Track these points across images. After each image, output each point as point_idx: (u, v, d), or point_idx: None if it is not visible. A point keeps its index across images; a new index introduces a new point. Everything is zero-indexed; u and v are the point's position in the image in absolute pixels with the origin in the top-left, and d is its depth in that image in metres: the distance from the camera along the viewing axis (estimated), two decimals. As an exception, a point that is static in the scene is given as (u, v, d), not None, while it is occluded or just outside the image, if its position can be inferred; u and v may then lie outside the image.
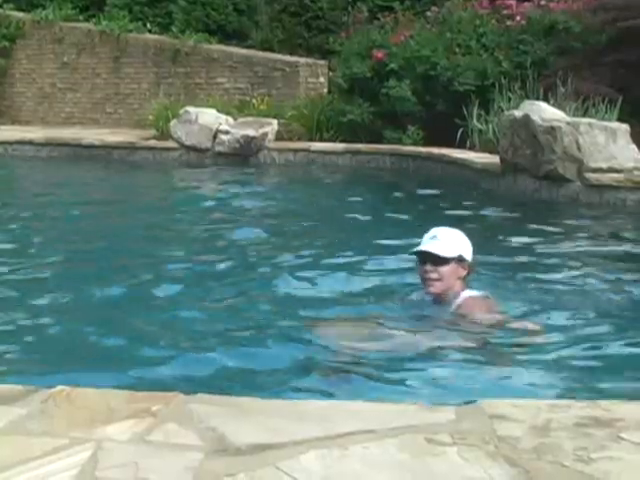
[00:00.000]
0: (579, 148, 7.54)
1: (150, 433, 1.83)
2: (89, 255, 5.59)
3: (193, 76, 14.98)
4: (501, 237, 6.08)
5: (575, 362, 3.32)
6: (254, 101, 13.40)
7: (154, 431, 1.84)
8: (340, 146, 11.51)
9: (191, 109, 11.91)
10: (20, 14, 16.97)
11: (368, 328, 3.58)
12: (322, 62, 14.02)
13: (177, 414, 1.94)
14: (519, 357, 3.37)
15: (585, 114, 9.20)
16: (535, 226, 6.51)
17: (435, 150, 10.24)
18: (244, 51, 14.72)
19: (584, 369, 3.26)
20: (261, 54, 14.55)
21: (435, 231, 3.79)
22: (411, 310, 3.83)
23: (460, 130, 10.46)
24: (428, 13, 12.92)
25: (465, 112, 10.46)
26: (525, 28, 11.41)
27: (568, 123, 7.72)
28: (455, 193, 8.55)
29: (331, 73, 13.54)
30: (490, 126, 10.10)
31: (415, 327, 3.60)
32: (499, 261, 5.10)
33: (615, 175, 7.47)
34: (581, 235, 6.31)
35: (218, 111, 12.08)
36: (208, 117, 11.78)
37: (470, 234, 3.89)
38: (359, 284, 4.59)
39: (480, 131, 10.31)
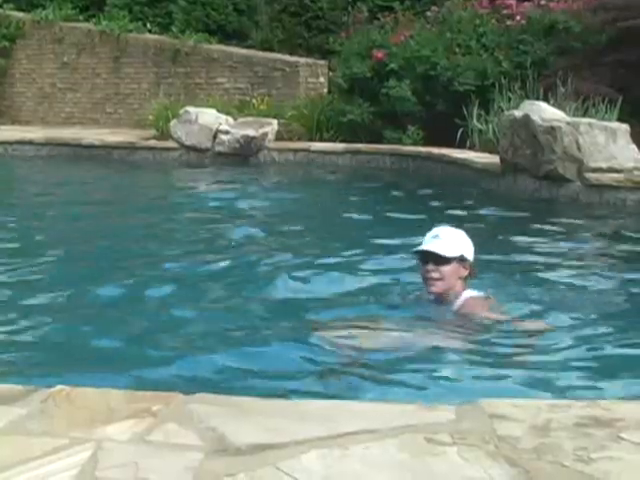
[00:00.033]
0: (579, 148, 7.54)
1: (150, 433, 1.83)
2: (89, 255, 5.59)
3: (193, 76, 14.99)
4: (501, 237, 6.08)
5: (575, 362, 3.31)
6: (254, 101, 13.40)
7: (154, 431, 1.84)
8: (340, 146, 11.52)
9: (191, 109, 11.91)
10: (20, 14, 16.98)
11: (368, 328, 3.58)
12: (322, 62, 14.02)
13: (177, 414, 1.94)
14: (519, 357, 3.37)
15: (585, 114, 9.20)
16: (535, 226, 6.51)
17: (435, 150, 10.24)
18: (244, 51, 14.72)
19: (584, 369, 3.25)
20: (261, 54, 14.55)
21: (437, 230, 3.79)
22: (412, 310, 3.83)
23: (460, 130, 10.46)
24: (428, 13, 12.92)
25: (465, 112, 10.46)
26: (525, 28, 11.41)
27: (568, 123, 7.72)
28: (455, 193, 8.55)
29: (331, 73, 13.54)
30: (490, 126, 10.10)
31: (416, 327, 3.60)
32: (499, 261, 5.10)
33: (615, 175, 7.47)
34: (581, 235, 6.31)
35: (218, 111, 12.08)
36: (208, 117, 11.78)
37: (470, 234, 3.88)
38: (359, 284, 4.59)
39: (480, 131, 10.31)
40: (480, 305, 3.73)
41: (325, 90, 13.71)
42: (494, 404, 2.02)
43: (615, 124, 8.02)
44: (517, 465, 1.68)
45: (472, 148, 10.19)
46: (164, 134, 12.45)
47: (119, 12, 15.92)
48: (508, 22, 11.63)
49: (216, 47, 14.83)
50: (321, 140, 12.03)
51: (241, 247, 5.85)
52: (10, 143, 12.96)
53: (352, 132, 11.75)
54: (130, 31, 15.56)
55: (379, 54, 11.78)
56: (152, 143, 12.49)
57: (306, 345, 3.42)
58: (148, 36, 15.55)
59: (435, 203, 7.82)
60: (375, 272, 4.89)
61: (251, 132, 11.54)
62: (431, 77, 11.19)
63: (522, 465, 1.68)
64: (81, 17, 16.61)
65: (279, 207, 8.15)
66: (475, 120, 10.40)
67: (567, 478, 1.64)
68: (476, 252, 3.81)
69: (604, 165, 7.53)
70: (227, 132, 11.57)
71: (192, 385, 2.85)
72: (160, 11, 15.97)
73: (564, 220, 6.83)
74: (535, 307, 4.04)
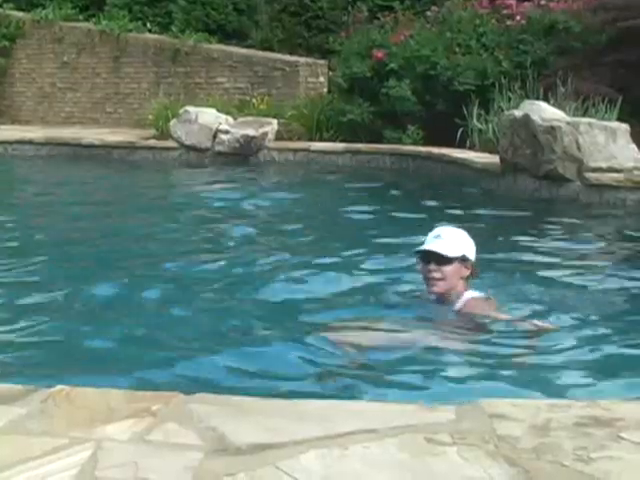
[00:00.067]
0: (579, 148, 7.55)
1: (150, 433, 1.83)
2: (88, 255, 5.59)
3: (193, 76, 14.98)
4: (501, 237, 6.08)
5: (575, 362, 3.31)
6: (254, 101, 13.40)
7: (154, 431, 1.84)
8: (340, 146, 11.51)
9: (191, 109, 11.90)
10: (20, 14, 16.97)
11: (368, 328, 3.58)
12: (322, 62, 14.02)
13: (177, 414, 1.94)
14: (519, 357, 3.37)
15: (585, 114, 9.20)
16: (535, 226, 6.51)
17: (435, 150, 10.23)
18: (244, 51, 14.72)
19: (584, 369, 3.25)
20: (261, 54, 14.55)
21: (439, 230, 3.78)
22: (412, 310, 3.82)
23: (460, 130, 10.45)
24: (428, 13, 12.92)
25: (465, 112, 10.46)
26: (525, 28, 11.41)
27: (568, 123, 7.72)
28: (455, 193, 8.55)
29: (331, 73, 13.54)
30: (490, 126, 10.10)
31: (416, 327, 3.60)
32: (499, 261, 5.10)
33: (615, 175, 7.47)
34: (581, 235, 6.31)
35: (218, 111, 12.08)
36: (208, 117, 11.77)
37: (470, 233, 3.88)
38: (359, 284, 4.59)
39: (480, 131, 10.31)
40: (481, 306, 3.73)
41: (325, 90, 13.71)
42: (494, 404, 2.02)
43: (615, 124, 8.03)
44: (517, 465, 1.68)
45: (472, 148, 10.19)
46: (164, 134, 12.45)
47: (119, 12, 15.92)
48: (508, 22, 11.63)
49: (216, 47, 14.83)
50: (321, 140, 12.03)
51: (241, 247, 5.85)
52: (10, 143, 12.96)
53: (352, 132, 11.75)
54: (130, 31, 15.56)
55: (379, 54, 11.78)
56: (152, 143, 12.49)
57: (306, 345, 3.42)
58: (148, 36, 15.55)
59: (435, 203, 7.81)
60: (375, 272, 4.89)
61: (251, 132, 11.54)
62: (431, 77, 11.19)
63: (522, 465, 1.68)
64: (81, 17, 16.61)
65: (279, 207, 8.15)
66: (475, 120, 10.40)
67: (567, 478, 1.64)
68: (476, 252, 3.81)
69: (604, 165, 7.53)
70: (227, 132, 11.57)
71: (192, 385, 2.85)
72: (160, 11, 15.97)
73: (564, 220, 6.83)
74: (535, 307, 4.04)
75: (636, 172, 7.47)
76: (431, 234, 3.76)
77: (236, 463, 1.69)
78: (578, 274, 4.93)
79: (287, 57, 14.21)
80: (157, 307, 4.17)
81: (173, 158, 11.89)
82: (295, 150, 11.67)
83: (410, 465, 1.68)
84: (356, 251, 5.60)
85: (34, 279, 4.82)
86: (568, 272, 4.98)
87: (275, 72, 14.07)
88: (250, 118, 12.08)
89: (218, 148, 11.59)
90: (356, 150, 11.26)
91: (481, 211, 7.29)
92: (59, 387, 2.10)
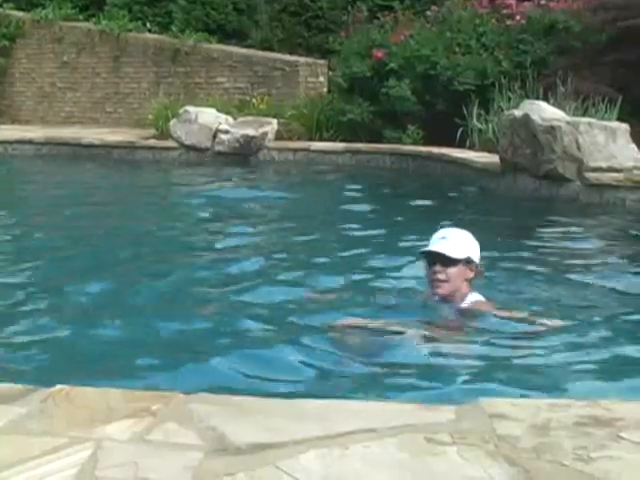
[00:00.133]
0: (579, 147, 7.55)
1: (150, 432, 1.83)
2: (88, 254, 5.59)
3: (193, 75, 14.98)
4: (500, 237, 6.07)
5: (575, 361, 3.31)
6: (254, 100, 13.40)
7: (154, 430, 1.84)
8: (340, 145, 11.51)
9: (191, 108, 11.91)
10: (20, 13, 16.97)
11: (369, 328, 3.58)
12: (322, 61, 14.02)
13: (177, 413, 1.94)
14: (519, 357, 3.37)
15: (585, 114, 9.20)
16: (535, 225, 6.51)
17: (435, 149, 10.24)
18: (244, 50, 14.71)
19: (584, 369, 3.25)
20: (261, 53, 14.55)
21: (444, 232, 3.75)
22: (414, 309, 3.82)
23: (460, 130, 10.46)
24: (428, 12, 12.92)
25: (465, 111, 10.47)
26: (525, 27, 11.42)
27: (568, 123, 7.72)
28: (455, 192, 8.55)
29: (331, 72, 13.54)
30: (490, 125, 10.10)
31: (417, 327, 3.59)
32: (498, 261, 5.10)
33: (615, 174, 7.48)
34: (581, 234, 6.31)
35: (218, 110, 12.08)
36: (208, 116, 11.77)
37: (470, 233, 3.88)
38: (359, 284, 4.59)
39: (480, 130, 10.31)
40: (484, 309, 3.73)
41: (325, 89, 13.71)
42: (494, 403, 2.02)
43: (615, 123, 8.03)
44: (517, 464, 1.68)
45: (472, 148, 10.20)
46: (164, 133, 12.45)
47: (119, 11, 15.91)
48: (508, 22, 11.63)
49: (216, 46, 14.82)
50: (321, 139, 12.03)
51: (241, 247, 5.85)
52: (10, 142, 12.96)
53: (352, 131, 11.75)
54: (130, 30, 15.56)
55: (379, 53, 11.79)
56: (152, 142, 12.49)
57: (305, 346, 3.42)
58: (148, 35, 15.55)
59: (434, 202, 7.82)
60: (375, 272, 4.89)
61: (251, 132, 11.54)
62: (431, 76, 11.19)
63: (522, 464, 1.68)
64: (81, 16, 16.60)
65: (279, 207, 8.15)
66: (475, 120, 10.40)
67: (567, 477, 1.64)
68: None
69: (604, 165, 7.53)
70: (227, 131, 11.58)
71: (191, 385, 2.84)
72: (160, 10, 15.96)
73: (564, 219, 6.83)
74: (534, 307, 4.04)
75: (636, 172, 7.47)
76: (436, 235, 3.74)
77: (236, 463, 1.69)
78: (578, 274, 4.93)
79: (287, 57, 14.21)
80: (156, 307, 4.17)
81: (173, 158, 11.89)
82: (295, 150, 11.67)
83: (410, 465, 1.68)
84: (356, 251, 5.60)
85: (34, 279, 4.82)
86: (568, 272, 4.99)
87: (275, 72, 14.07)
88: (250, 118, 12.08)
89: (218, 148, 11.59)
90: (356, 150, 11.26)
91: (481, 211, 7.29)
92: (59, 387, 2.10)
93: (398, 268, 4.85)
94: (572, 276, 4.86)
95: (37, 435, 1.82)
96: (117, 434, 1.82)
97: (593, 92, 9.57)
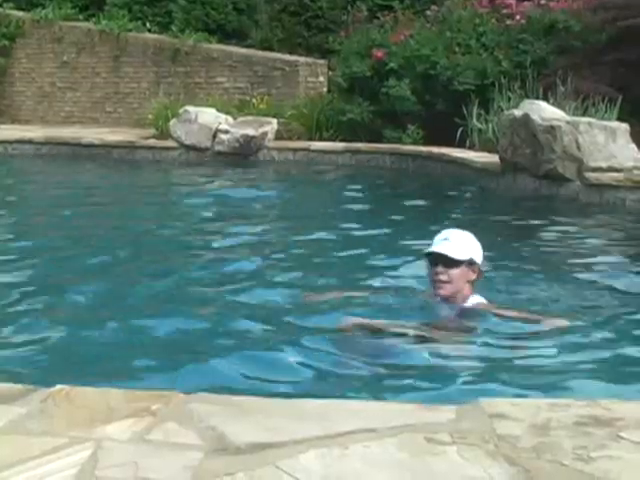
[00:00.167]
0: (579, 147, 7.55)
1: (150, 432, 1.83)
2: (87, 254, 5.58)
3: (193, 75, 14.98)
4: (500, 236, 6.08)
5: (575, 361, 3.31)
6: (254, 100, 13.40)
7: (154, 430, 1.84)
8: (340, 145, 11.52)
9: (191, 108, 11.91)
10: (20, 13, 16.97)
11: (369, 328, 3.58)
12: (322, 61, 14.02)
13: (177, 413, 1.94)
14: (520, 357, 3.37)
15: (585, 113, 9.20)
16: (534, 225, 6.51)
17: (435, 149, 10.24)
18: (244, 50, 14.71)
19: (585, 368, 3.25)
20: (261, 53, 14.55)
21: (447, 233, 3.75)
22: (415, 309, 3.81)
23: (460, 129, 10.46)
24: (428, 12, 12.92)
25: (465, 111, 10.47)
26: (525, 27, 11.42)
27: (568, 122, 7.72)
28: (454, 192, 8.55)
29: (331, 72, 13.54)
30: (490, 125, 10.11)
31: (418, 327, 3.59)
32: (498, 260, 5.09)
33: (615, 174, 7.48)
34: (581, 234, 6.31)
35: (218, 110, 12.08)
36: (208, 116, 11.77)
37: (472, 235, 3.87)
38: (359, 284, 4.58)
39: (480, 130, 10.31)
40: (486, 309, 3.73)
41: (325, 89, 13.71)
42: (494, 403, 2.02)
43: (615, 123, 8.03)
44: (517, 464, 1.68)
45: (472, 147, 10.20)
46: (164, 133, 12.45)
47: (119, 11, 15.91)
48: (508, 21, 11.64)
49: (216, 46, 14.82)
50: (321, 139, 12.03)
51: (240, 247, 5.85)
52: (10, 142, 12.96)
53: (352, 131, 11.75)
54: (130, 30, 15.56)
55: (379, 53, 11.79)
56: (152, 142, 12.49)
57: (305, 346, 3.42)
58: (148, 35, 15.55)
59: (435, 202, 7.82)
60: (375, 271, 4.89)
61: (251, 131, 11.54)
62: (431, 76, 11.19)
63: (522, 464, 1.68)
64: (81, 16, 16.61)
65: (279, 206, 8.15)
66: (475, 119, 10.40)
67: (567, 477, 1.64)
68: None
69: (604, 164, 7.53)
70: (227, 131, 11.57)
71: (191, 385, 2.84)
72: (160, 10, 15.96)
73: (564, 219, 6.83)
74: (534, 306, 4.04)
75: (636, 172, 7.47)
76: (439, 236, 3.73)
77: (236, 463, 1.69)
78: (577, 274, 4.93)
79: (287, 57, 14.21)
80: (156, 307, 4.17)
81: (173, 158, 11.89)
82: (295, 150, 11.67)
83: (410, 464, 1.68)
84: (356, 251, 5.60)
85: (33, 279, 4.81)
86: (567, 272, 4.99)
87: (275, 72, 14.07)
88: (250, 118, 12.08)
89: (218, 148, 11.59)
90: (356, 150, 11.26)
91: (481, 210, 7.29)
92: (59, 387, 2.10)
93: (398, 268, 4.85)
94: (572, 276, 4.86)
95: (37, 435, 1.82)
96: (117, 434, 1.82)
97: (593, 92, 9.57)
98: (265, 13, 15.44)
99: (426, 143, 10.83)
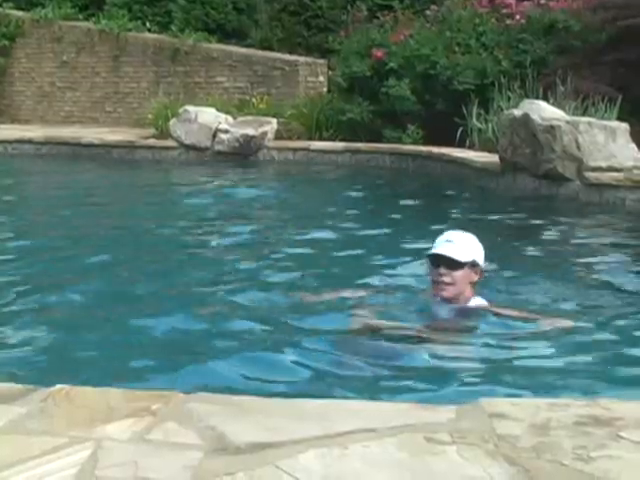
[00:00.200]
0: (578, 147, 7.55)
1: (150, 432, 1.83)
2: (86, 254, 5.58)
3: (192, 75, 14.98)
4: (500, 236, 6.07)
5: (576, 361, 3.31)
6: (253, 100, 13.40)
7: (154, 430, 1.84)
8: (340, 145, 11.52)
9: (190, 108, 11.91)
10: (19, 13, 16.97)
11: (369, 328, 3.58)
12: (321, 61, 14.02)
13: (177, 413, 1.94)
14: (519, 357, 3.37)
15: (585, 113, 9.20)
16: (534, 225, 6.51)
17: (435, 149, 10.24)
18: (243, 50, 14.71)
19: (584, 368, 3.25)
20: (260, 53, 14.55)
21: (449, 234, 3.73)
22: (415, 310, 3.81)
23: (460, 129, 10.46)
24: (427, 12, 12.92)
25: (465, 111, 10.47)
26: (525, 27, 11.42)
27: (567, 122, 7.72)
28: (454, 192, 8.55)
29: (330, 72, 13.54)
30: (490, 125, 10.11)
31: (417, 327, 3.59)
32: (498, 260, 5.09)
33: (615, 174, 7.47)
34: (581, 234, 6.31)
35: (217, 110, 12.08)
36: (207, 116, 11.78)
37: (474, 236, 3.87)
38: (359, 284, 4.58)
39: (480, 130, 10.31)
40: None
41: (325, 89, 13.71)
42: (493, 403, 2.02)
43: (615, 123, 8.03)
44: (516, 464, 1.68)
45: (472, 147, 10.20)
46: (163, 133, 12.46)
47: (118, 11, 15.92)
48: (508, 21, 11.64)
49: (215, 46, 14.82)
50: (320, 139, 12.03)
51: (240, 247, 5.85)
52: (9, 142, 12.96)
53: (352, 131, 11.75)
54: (129, 30, 15.56)
55: (378, 53, 11.79)
56: (151, 142, 12.49)
57: (305, 346, 3.42)
58: (147, 35, 15.55)
59: (434, 202, 7.82)
60: (375, 271, 4.89)
61: (250, 131, 11.54)
62: (431, 76, 11.19)
63: (521, 464, 1.68)
64: (80, 16, 16.61)
65: (278, 206, 8.15)
66: (475, 119, 10.40)
67: (566, 477, 1.64)
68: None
69: (604, 164, 7.53)
70: (226, 131, 11.58)
71: (191, 385, 2.84)
72: (159, 10, 15.97)
73: (563, 219, 6.83)
74: (534, 306, 4.04)
75: (636, 171, 7.47)
76: (441, 238, 3.72)
77: (236, 462, 1.69)
78: (577, 273, 4.93)
79: (287, 56, 14.21)
80: (156, 307, 4.17)
81: (173, 157, 11.89)
82: (295, 149, 11.68)
83: (410, 464, 1.68)
84: (355, 251, 5.60)
85: (33, 278, 4.81)
86: (567, 271, 4.99)
87: (275, 71, 14.07)
88: (250, 117, 12.09)
89: (218, 147, 11.59)
90: (356, 149, 11.26)
91: (480, 210, 7.29)
92: (59, 386, 2.10)
93: (398, 267, 4.85)
94: (571, 276, 4.86)
95: (37, 435, 1.82)
96: (117, 434, 1.82)
97: (593, 91, 9.57)
98: (265, 13, 15.44)
99: (426, 143, 10.83)
